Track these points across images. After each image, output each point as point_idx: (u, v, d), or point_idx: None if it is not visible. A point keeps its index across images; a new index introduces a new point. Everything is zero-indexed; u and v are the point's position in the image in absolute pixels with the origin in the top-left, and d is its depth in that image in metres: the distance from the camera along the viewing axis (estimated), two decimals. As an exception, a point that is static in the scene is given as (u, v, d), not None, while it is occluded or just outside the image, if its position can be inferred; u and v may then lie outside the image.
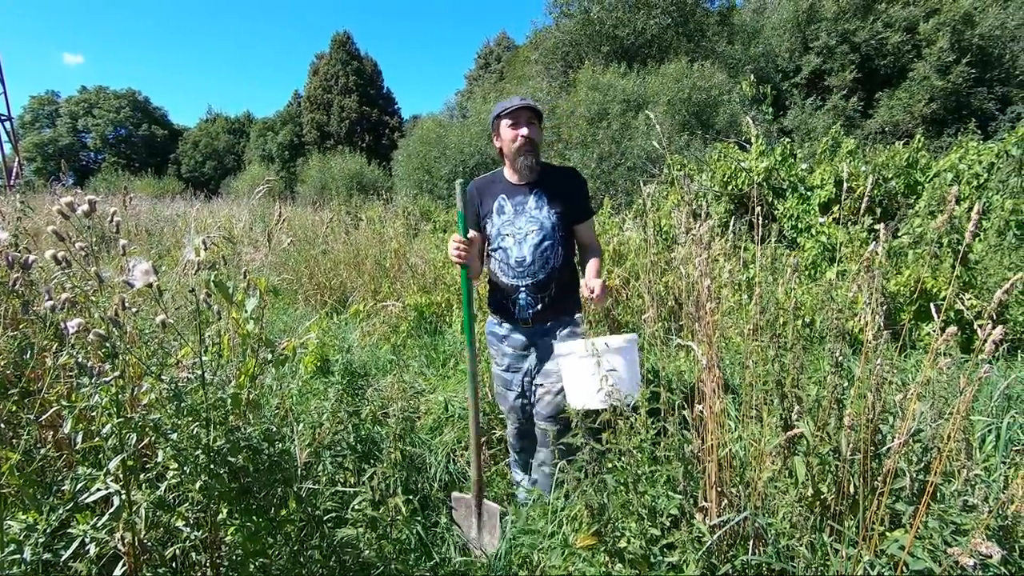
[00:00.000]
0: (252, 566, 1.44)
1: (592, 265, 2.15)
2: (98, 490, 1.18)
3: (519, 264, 2.14)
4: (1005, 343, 3.19)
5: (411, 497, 1.66)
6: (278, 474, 1.44)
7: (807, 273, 5.25)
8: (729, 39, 19.83)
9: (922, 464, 1.24)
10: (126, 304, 1.16)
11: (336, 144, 34.07)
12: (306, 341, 3.10)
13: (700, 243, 1.52)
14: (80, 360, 1.14)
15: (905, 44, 17.79)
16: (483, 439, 2.52)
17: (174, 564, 1.44)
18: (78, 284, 1.15)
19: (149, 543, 1.31)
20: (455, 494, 2.12)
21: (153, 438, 1.42)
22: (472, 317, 2.07)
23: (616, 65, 16.99)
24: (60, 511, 1.18)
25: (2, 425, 1.35)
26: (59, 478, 1.43)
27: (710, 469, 1.48)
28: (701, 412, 1.51)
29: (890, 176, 5.61)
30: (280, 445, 1.58)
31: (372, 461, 2.00)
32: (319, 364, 3.38)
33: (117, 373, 1.12)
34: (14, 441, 1.53)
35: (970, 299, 3.39)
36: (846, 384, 1.40)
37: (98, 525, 1.18)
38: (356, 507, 1.67)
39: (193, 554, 1.48)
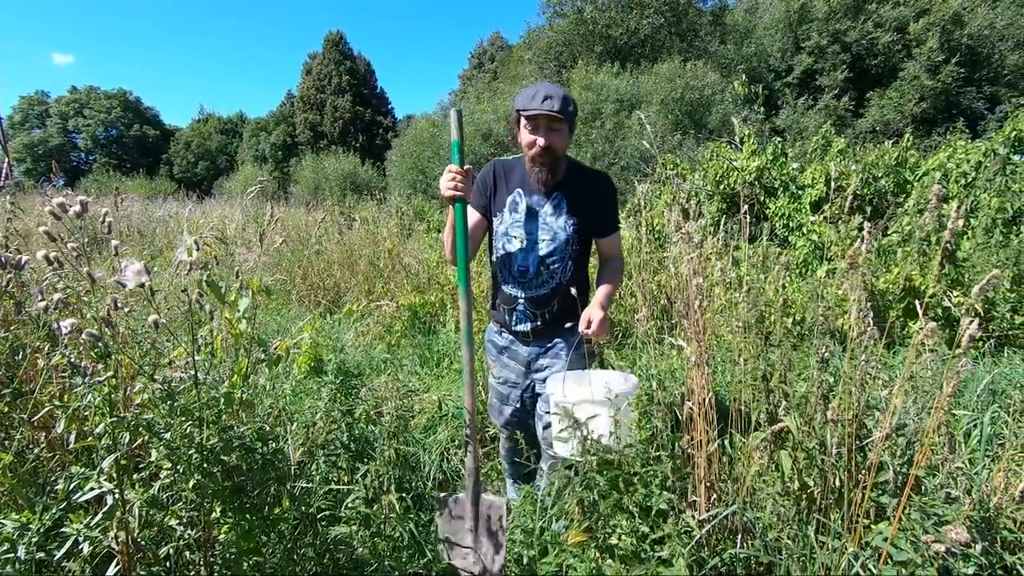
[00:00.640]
0: (246, 564, 1.45)
1: (602, 292, 1.90)
2: (91, 489, 1.19)
3: (521, 274, 1.92)
4: (991, 339, 3.24)
5: (404, 495, 1.67)
6: (271, 473, 1.45)
7: (798, 271, 5.30)
8: (722, 39, 19.94)
9: (905, 458, 1.26)
10: (119, 304, 1.16)
11: (330, 144, 34.00)
12: (300, 341, 3.11)
13: (689, 241, 1.54)
14: (73, 360, 1.15)
15: (895, 44, 17.93)
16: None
17: (168, 563, 1.45)
18: (70, 285, 1.16)
19: (143, 542, 1.32)
20: (439, 495, 1.76)
21: (146, 438, 1.43)
22: (467, 262, 1.69)
23: (609, 65, 17.05)
24: (53, 510, 1.19)
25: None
26: (52, 479, 1.43)
27: (699, 464, 1.50)
28: (691, 409, 1.53)
29: (880, 175, 5.67)
30: (274, 444, 1.58)
31: (366, 460, 2.01)
32: (313, 364, 3.39)
33: (110, 373, 1.13)
34: (7, 442, 1.54)
35: (958, 296, 3.43)
36: (832, 380, 1.42)
37: (91, 524, 1.19)
38: (350, 505, 1.68)
39: (187, 553, 1.48)
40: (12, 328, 1.67)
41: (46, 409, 1.28)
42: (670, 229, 1.86)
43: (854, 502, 1.29)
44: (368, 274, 5.66)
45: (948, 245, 3.69)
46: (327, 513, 1.75)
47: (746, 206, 2.12)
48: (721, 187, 6.34)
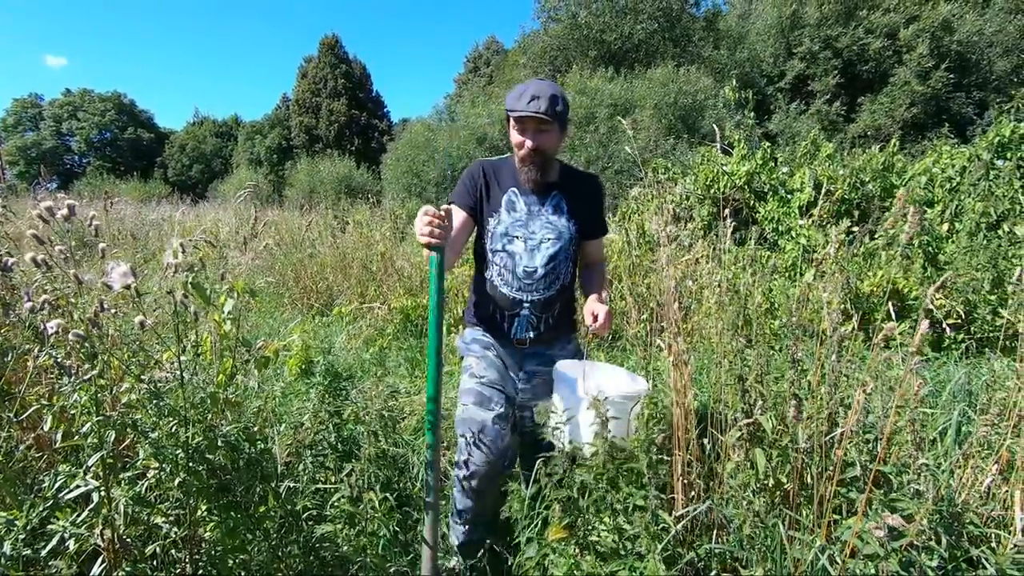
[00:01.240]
0: (231, 562, 1.48)
1: (598, 287, 1.88)
2: (77, 487, 1.21)
3: (528, 275, 1.84)
4: (971, 340, 3.29)
5: (388, 495, 1.69)
6: (256, 471, 1.47)
7: (787, 275, 5.36)
8: (715, 44, 20.12)
9: (872, 455, 1.30)
10: (105, 306, 1.19)
11: (325, 147, 34.05)
12: (290, 343, 3.13)
13: (669, 241, 1.58)
14: (59, 360, 1.17)
15: (886, 50, 18.14)
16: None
17: (154, 561, 1.47)
18: (58, 287, 1.19)
19: (129, 539, 1.34)
20: None
21: (133, 437, 1.46)
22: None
23: (604, 69, 17.18)
24: (40, 508, 1.21)
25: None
26: (39, 478, 1.45)
27: (677, 462, 1.54)
28: (668, 406, 1.56)
29: (867, 179, 5.74)
30: (261, 445, 1.61)
31: (353, 461, 2.04)
32: (304, 367, 3.41)
33: (96, 372, 1.15)
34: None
35: (939, 299, 3.49)
36: (805, 378, 1.46)
37: (77, 522, 1.21)
38: (335, 504, 1.71)
39: (173, 551, 1.51)
40: (1, 331, 1.69)
41: (33, 408, 1.30)
42: (659, 235, 1.88)
43: (824, 498, 1.32)
44: (361, 277, 5.68)
45: (907, 249, 3.75)
46: (313, 512, 1.77)
47: (728, 209, 2.16)
48: (711, 191, 6.41)
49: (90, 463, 1.18)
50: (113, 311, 1.25)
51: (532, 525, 1.61)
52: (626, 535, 1.40)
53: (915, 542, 1.20)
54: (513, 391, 1.89)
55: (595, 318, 1.67)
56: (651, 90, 15.48)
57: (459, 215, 1.84)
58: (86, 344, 1.14)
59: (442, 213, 1.46)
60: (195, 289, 1.30)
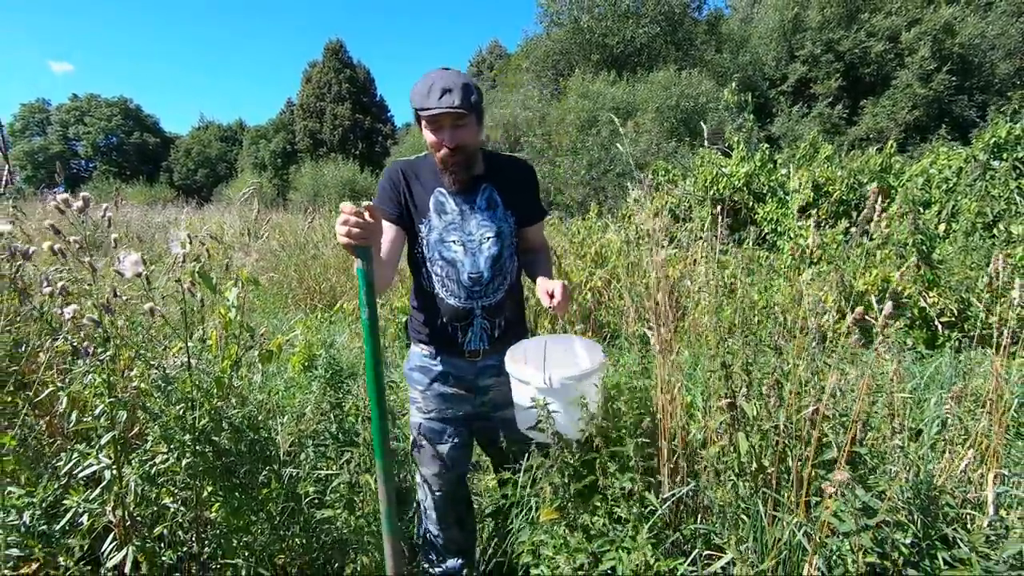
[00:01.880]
0: (236, 542, 1.54)
1: (545, 269, 1.78)
2: (90, 465, 1.28)
3: (474, 282, 1.67)
4: (964, 337, 3.33)
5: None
6: (260, 454, 1.54)
7: (784, 275, 5.40)
8: (717, 47, 20.19)
9: (847, 438, 1.36)
10: (117, 293, 1.26)
11: (329, 152, 34.25)
12: (293, 339, 3.20)
13: (654, 236, 1.64)
14: (74, 344, 1.24)
15: (888, 53, 18.17)
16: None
17: (161, 543, 1.54)
18: (74, 274, 1.26)
19: (139, 518, 1.40)
20: None
21: (142, 425, 1.52)
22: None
23: (606, 73, 17.26)
24: (55, 486, 1.28)
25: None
26: (53, 461, 1.52)
27: (663, 448, 1.60)
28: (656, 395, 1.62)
29: (865, 181, 5.79)
30: (264, 433, 1.68)
31: (352, 448, 2.10)
32: (306, 364, 3.48)
33: (109, 354, 1.22)
34: (9, 430, 1.62)
35: (933, 297, 3.53)
36: (787, 366, 1.52)
37: (90, 498, 1.28)
38: (335, 489, 1.77)
39: (180, 533, 1.57)
40: (16, 323, 1.76)
41: (48, 391, 1.37)
42: (643, 228, 1.94)
43: (804, 479, 1.38)
44: (363, 278, 5.75)
45: (867, 230, 3.78)
46: (314, 498, 1.83)
47: (718, 208, 2.22)
48: (711, 192, 6.46)
49: (103, 441, 1.24)
50: (124, 299, 1.32)
51: (525, 510, 1.67)
52: (615, 515, 1.46)
53: (888, 519, 1.25)
54: (471, 408, 1.80)
55: (551, 296, 1.57)
56: (653, 93, 15.57)
57: (388, 230, 1.63)
58: (100, 328, 1.20)
59: (361, 210, 1.24)
60: (201, 278, 1.36)
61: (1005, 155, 4.81)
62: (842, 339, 1.97)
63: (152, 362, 1.36)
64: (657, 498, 1.49)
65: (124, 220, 8.51)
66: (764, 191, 6.30)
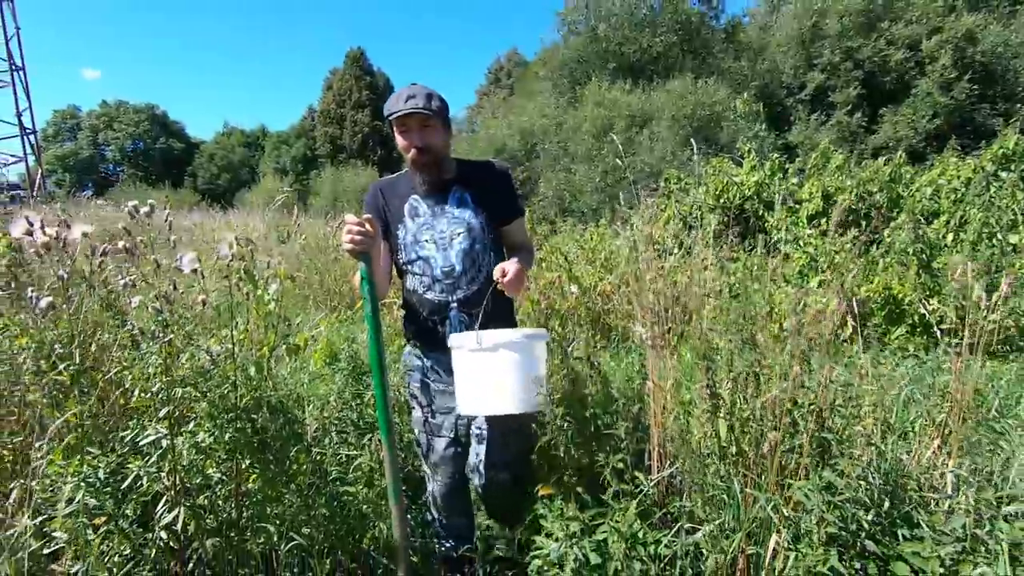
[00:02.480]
0: (269, 510, 1.73)
1: (520, 260, 1.78)
2: (149, 435, 1.48)
3: (447, 275, 1.79)
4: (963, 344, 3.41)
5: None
6: (291, 433, 1.73)
7: (794, 283, 5.50)
8: (735, 56, 20.20)
9: (819, 423, 1.50)
10: (176, 286, 1.46)
11: (349, 157, 34.86)
12: (316, 334, 3.41)
13: (649, 238, 1.80)
14: (141, 329, 1.45)
15: (908, 61, 18.03)
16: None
17: (204, 509, 1.74)
18: (139, 269, 1.46)
19: (189, 485, 1.60)
20: None
21: (187, 406, 1.73)
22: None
23: (622, 82, 17.41)
24: (119, 452, 1.48)
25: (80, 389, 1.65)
26: (112, 435, 1.73)
27: (654, 433, 1.76)
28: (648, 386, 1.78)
29: (875, 190, 5.87)
30: (297, 412, 1.87)
31: (373, 433, 2.28)
32: (328, 360, 3.69)
33: (168, 338, 1.42)
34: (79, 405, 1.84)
35: (933, 304, 3.62)
36: (766, 362, 1.66)
37: (149, 464, 1.48)
38: (356, 467, 1.96)
39: (220, 503, 1.77)
40: (85, 314, 1.98)
41: (115, 370, 1.57)
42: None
43: (776, 462, 1.53)
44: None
45: (903, 256, 3.87)
46: (336, 478, 2.02)
47: (726, 216, 2.37)
48: (721, 200, 6.58)
49: (161, 414, 1.44)
50: (181, 291, 1.52)
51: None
52: (608, 492, 1.62)
53: (851, 496, 1.40)
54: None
55: (504, 273, 1.66)
56: (669, 102, 15.67)
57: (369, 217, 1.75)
58: (161, 315, 1.41)
59: (362, 220, 1.48)
60: (246, 274, 1.56)
61: (1013, 166, 4.87)
62: (845, 346, 2.13)
63: (201, 347, 1.56)
64: (647, 479, 1.65)
65: (152, 224, 8.86)
66: (774, 200, 6.41)
